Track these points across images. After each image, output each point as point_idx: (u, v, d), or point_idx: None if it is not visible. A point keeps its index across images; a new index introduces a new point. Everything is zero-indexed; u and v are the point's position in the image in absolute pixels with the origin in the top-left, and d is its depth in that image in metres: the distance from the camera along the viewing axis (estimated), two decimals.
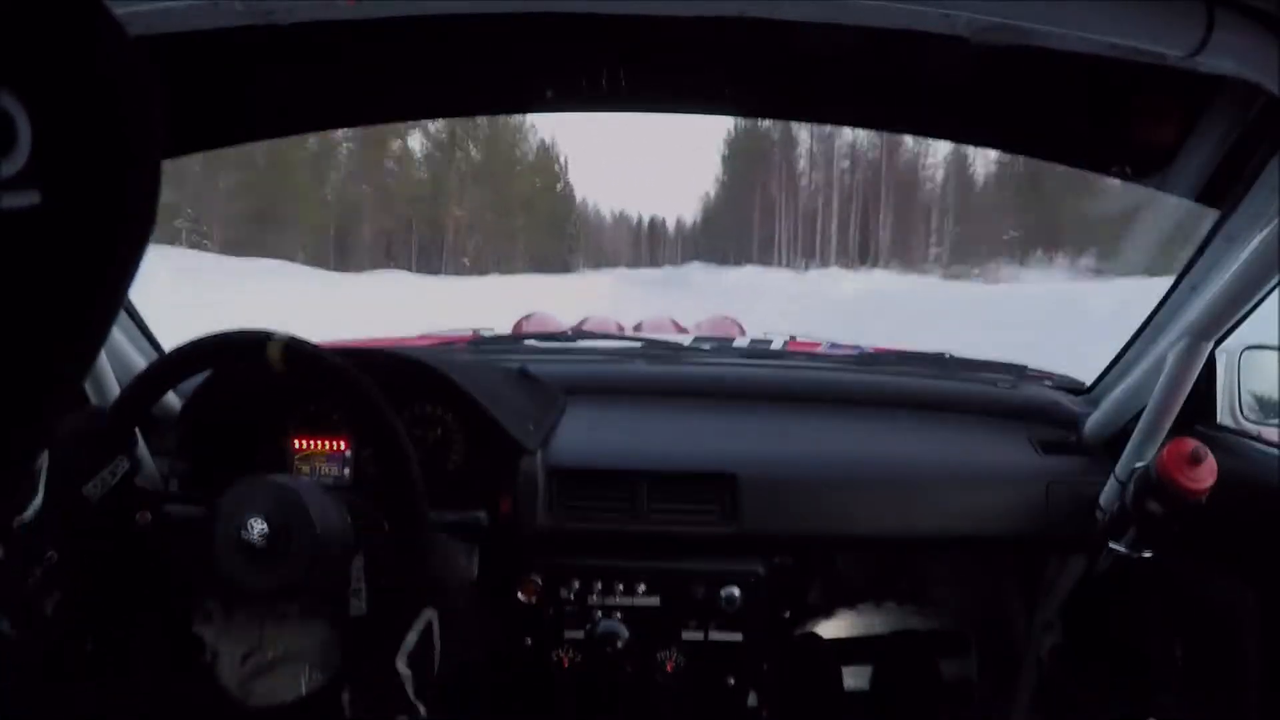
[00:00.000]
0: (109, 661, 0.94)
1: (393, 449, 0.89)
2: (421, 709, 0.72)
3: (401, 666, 0.75)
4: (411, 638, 0.76)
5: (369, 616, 0.80)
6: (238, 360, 0.93)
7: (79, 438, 0.90)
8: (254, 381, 1.13)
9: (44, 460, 0.81)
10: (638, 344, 1.52)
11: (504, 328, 1.67)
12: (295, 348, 0.86)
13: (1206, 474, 1.00)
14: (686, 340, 1.59)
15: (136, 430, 0.99)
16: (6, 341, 0.30)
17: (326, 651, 0.90)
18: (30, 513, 0.80)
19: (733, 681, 1.17)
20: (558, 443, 1.19)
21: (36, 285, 0.30)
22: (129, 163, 0.32)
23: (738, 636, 1.15)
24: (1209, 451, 1.00)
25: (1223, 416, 1.23)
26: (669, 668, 1.15)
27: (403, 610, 0.78)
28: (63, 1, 0.30)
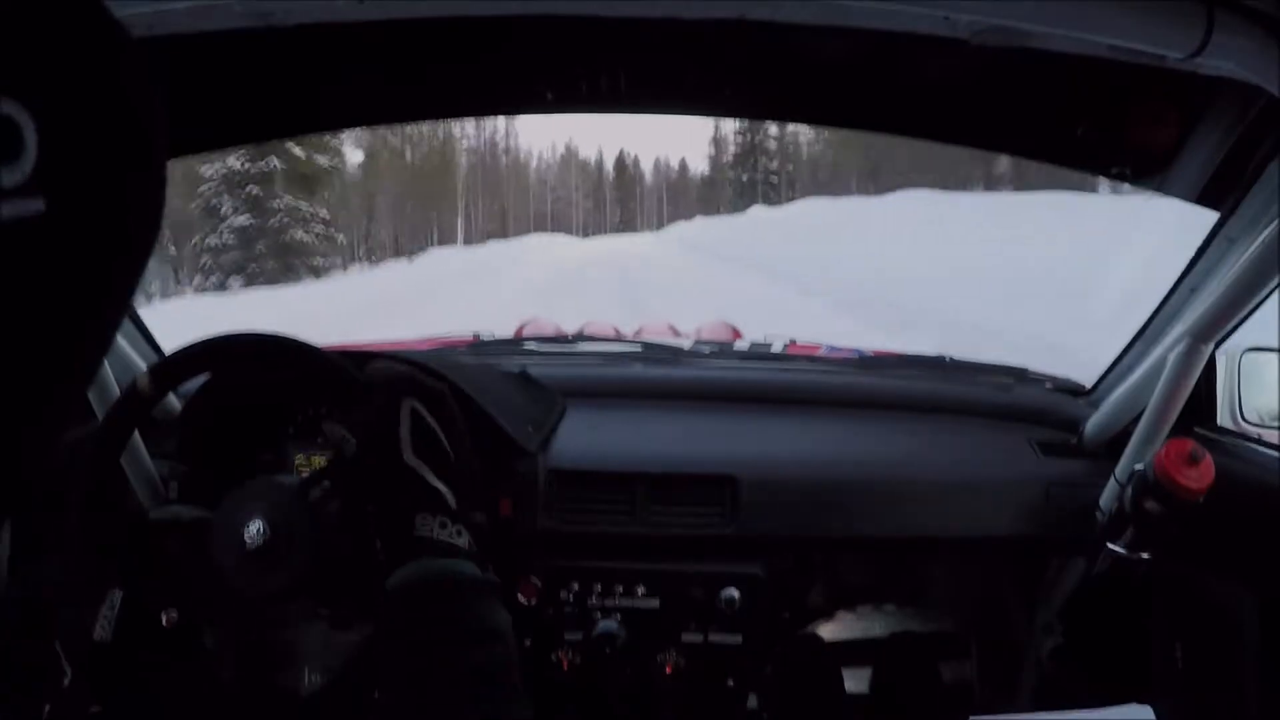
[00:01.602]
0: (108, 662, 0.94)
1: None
2: (449, 496, 0.72)
3: (409, 458, 0.73)
4: (405, 430, 0.74)
5: (360, 438, 0.77)
6: (131, 423, 0.90)
7: (58, 586, 0.88)
8: (254, 384, 1.13)
9: (58, 646, 0.81)
10: (637, 347, 1.52)
11: (504, 330, 1.67)
12: (159, 372, 0.85)
13: (1205, 474, 1.00)
14: (686, 343, 1.59)
15: (123, 465, 0.97)
16: (11, 348, 0.30)
17: (326, 652, 0.90)
18: (66, 684, 0.80)
19: (732, 683, 1.16)
20: (558, 445, 1.19)
21: (42, 292, 0.30)
22: (134, 168, 0.32)
23: (737, 638, 1.15)
24: (1207, 452, 1.00)
25: (1223, 419, 1.23)
26: (668, 670, 1.15)
27: (379, 410, 0.75)
28: (66, 7, 0.30)
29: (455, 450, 0.76)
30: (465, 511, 0.73)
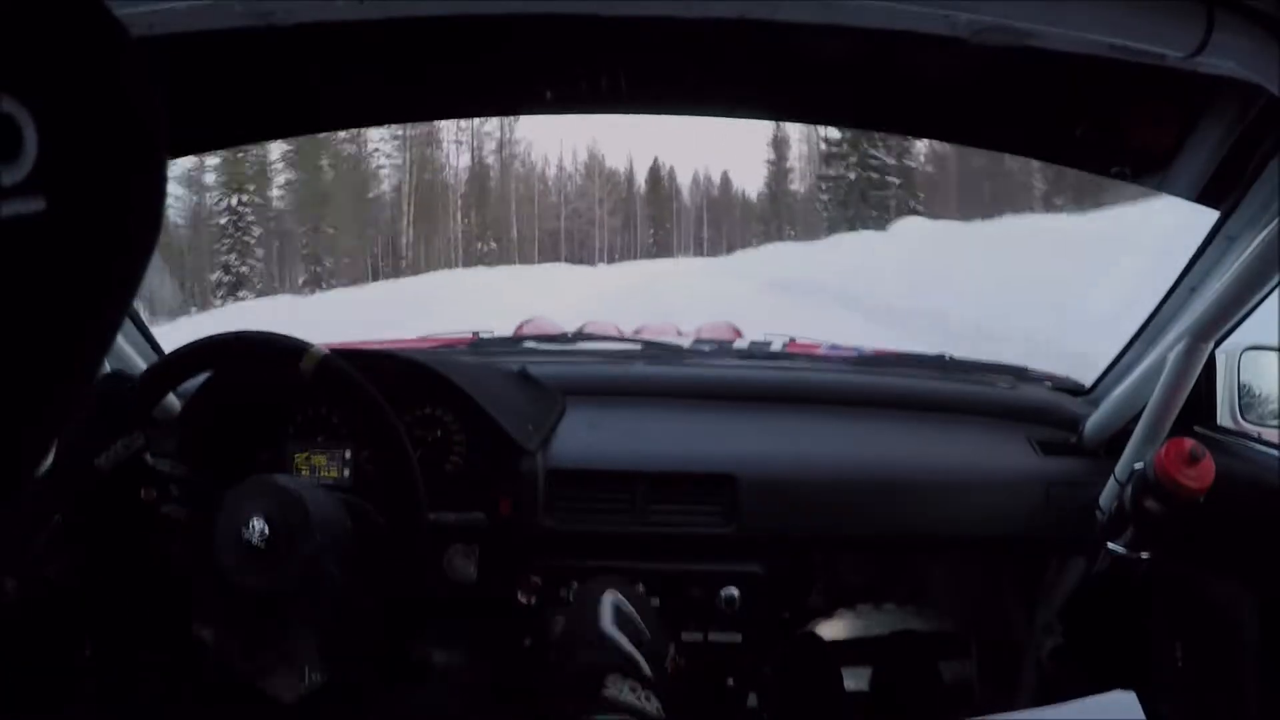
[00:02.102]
0: (109, 663, 0.94)
1: (392, 450, 0.89)
2: (643, 663, 0.74)
3: (608, 628, 0.77)
4: (607, 612, 0.78)
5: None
6: (270, 364, 0.93)
7: (99, 404, 0.90)
8: (254, 383, 1.13)
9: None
10: (637, 346, 1.52)
11: (504, 330, 1.67)
12: (327, 364, 0.87)
13: (1204, 473, 1.00)
14: (686, 342, 1.59)
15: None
16: (12, 348, 0.30)
17: (326, 652, 0.90)
18: (39, 473, 0.80)
19: (732, 682, 1.16)
20: (557, 444, 1.19)
21: (42, 291, 0.30)
22: (135, 167, 0.32)
23: (737, 637, 1.15)
24: (1207, 451, 1.00)
25: (1222, 417, 1.23)
26: (668, 669, 1.15)
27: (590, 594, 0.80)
28: (66, 6, 0.30)
29: (652, 631, 0.80)
30: (660, 681, 0.74)
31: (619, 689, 0.70)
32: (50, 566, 0.87)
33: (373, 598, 0.90)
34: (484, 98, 1.09)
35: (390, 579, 0.89)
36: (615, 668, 0.72)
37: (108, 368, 1.12)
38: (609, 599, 0.79)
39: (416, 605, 1.03)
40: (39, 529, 0.85)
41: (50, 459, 0.83)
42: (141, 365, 1.20)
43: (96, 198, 0.31)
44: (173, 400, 1.19)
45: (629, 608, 0.80)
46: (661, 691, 0.73)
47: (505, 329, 1.67)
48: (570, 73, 0.98)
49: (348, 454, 1.15)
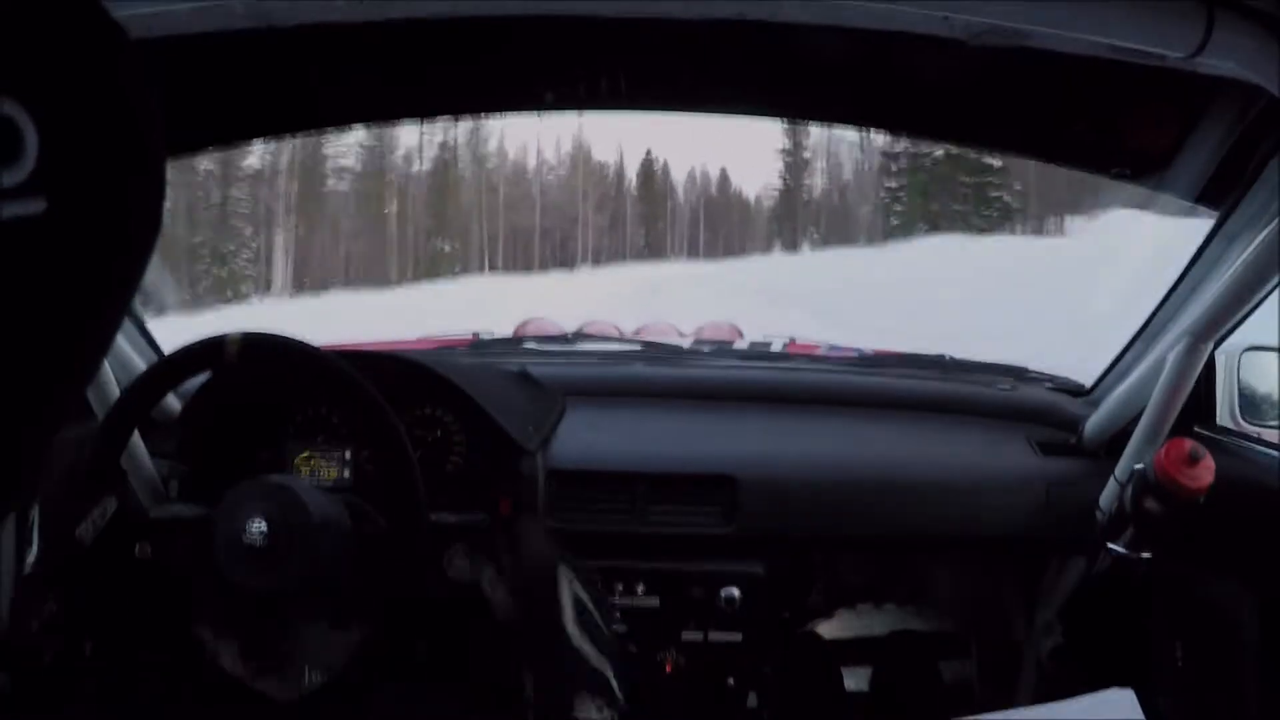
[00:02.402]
0: (109, 663, 0.94)
1: (392, 450, 0.89)
2: (611, 679, 0.71)
3: (575, 637, 0.74)
4: (567, 604, 0.75)
5: (519, 609, 0.79)
6: (199, 368, 0.93)
7: (65, 481, 0.89)
8: (254, 383, 1.13)
9: (35, 513, 0.81)
10: (637, 346, 1.52)
11: (504, 330, 1.67)
12: (252, 342, 0.86)
13: (1204, 473, 1.00)
14: (686, 343, 1.59)
15: (122, 463, 0.99)
16: (12, 347, 0.30)
17: (326, 652, 0.90)
18: (28, 565, 0.80)
19: (732, 682, 1.17)
20: (558, 444, 1.19)
21: (42, 292, 0.30)
22: (134, 168, 0.32)
23: (737, 637, 1.15)
24: (1207, 451, 1.00)
25: (1222, 418, 1.23)
26: (668, 668, 1.15)
27: (544, 587, 0.76)
28: (66, 8, 0.30)
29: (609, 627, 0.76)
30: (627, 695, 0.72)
31: (588, 711, 0.69)
32: (45, 653, 0.86)
33: (373, 598, 0.90)
34: (484, 98, 1.09)
35: (390, 579, 0.89)
36: (584, 687, 0.70)
37: (110, 375, 1.13)
38: (568, 591, 0.76)
39: (416, 605, 1.03)
40: (33, 618, 0.85)
41: (34, 547, 0.84)
42: (141, 365, 1.20)
43: (96, 199, 0.31)
44: (172, 401, 1.19)
45: (584, 596, 0.77)
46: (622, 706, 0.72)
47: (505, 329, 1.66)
48: (570, 73, 0.98)
49: (348, 454, 1.14)
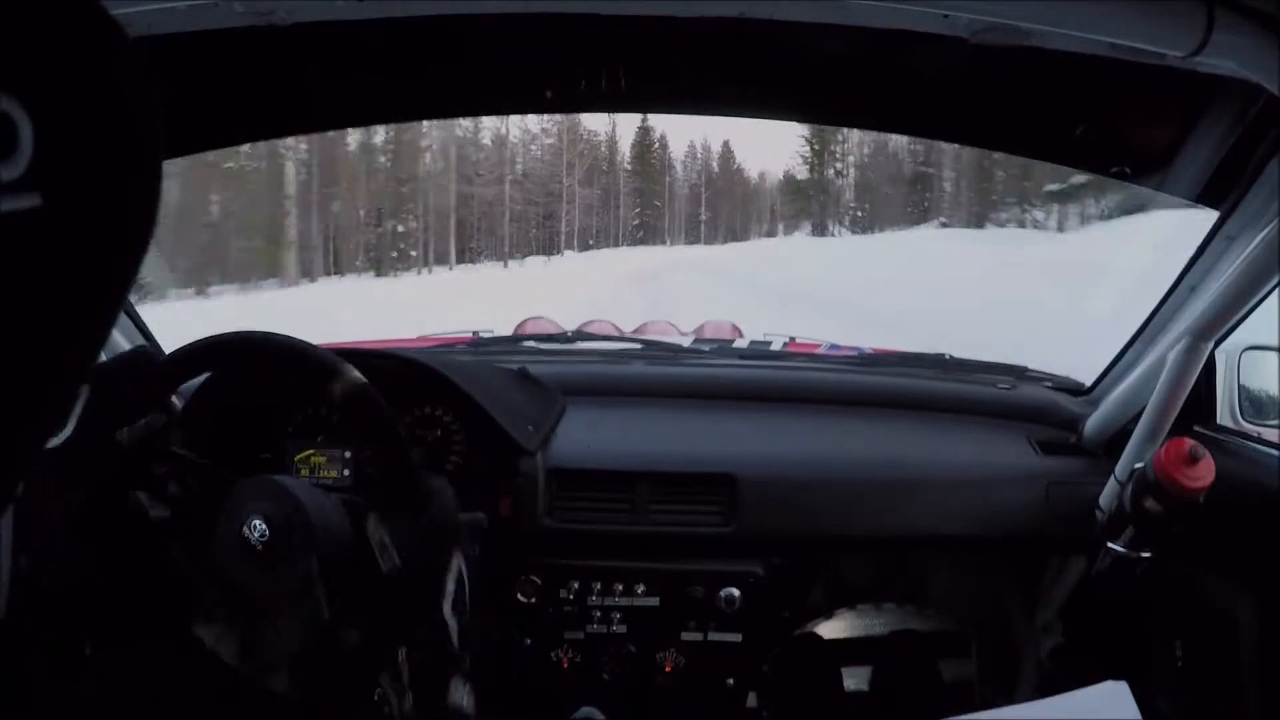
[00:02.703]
0: (109, 662, 0.94)
1: (392, 450, 0.89)
2: (466, 660, 0.71)
3: (447, 613, 0.73)
4: (450, 583, 0.74)
5: (405, 569, 0.77)
6: (299, 376, 0.92)
7: (126, 381, 0.89)
8: (254, 383, 1.13)
9: (82, 394, 0.81)
10: (637, 345, 1.52)
11: (504, 329, 1.67)
12: (359, 394, 0.86)
13: (1204, 473, 1.00)
14: (686, 341, 1.59)
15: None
16: (6, 343, 0.30)
17: (326, 652, 0.90)
18: (59, 442, 0.79)
19: (732, 682, 1.17)
20: (557, 443, 1.19)
21: (37, 287, 0.30)
22: (130, 165, 0.32)
23: (737, 637, 1.15)
24: (1206, 450, 1.00)
25: (1222, 417, 1.23)
26: (668, 668, 1.15)
27: (437, 556, 0.75)
28: (62, 4, 0.30)
29: (474, 610, 0.76)
30: (475, 671, 0.73)
31: (460, 694, 0.70)
32: (56, 565, 0.86)
33: (372, 598, 0.90)
34: (484, 96, 1.09)
35: (390, 579, 0.89)
36: (455, 669, 0.70)
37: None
38: (453, 575, 0.75)
39: (416, 605, 1.03)
40: (57, 500, 0.84)
41: (71, 427, 0.83)
42: None
43: (92, 195, 0.31)
44: (172, 400, 1.19)
45: (464, 584, 0.76)
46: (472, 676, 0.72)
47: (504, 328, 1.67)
48: (570, 72, 0.98)
49: (348, 454, 1.15)
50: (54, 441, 0.79)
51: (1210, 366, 1.16)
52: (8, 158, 0.28)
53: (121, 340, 1.20)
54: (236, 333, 0.94)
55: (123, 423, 0.88)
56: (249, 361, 0.97)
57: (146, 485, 0.91)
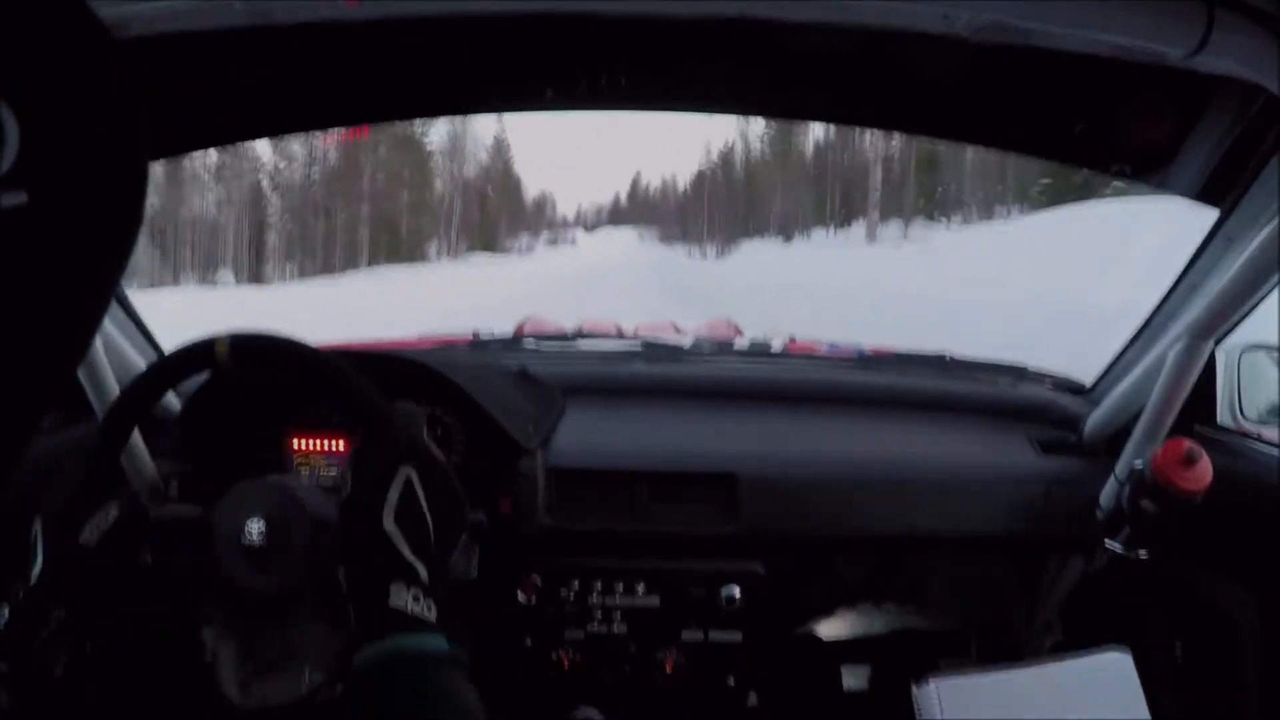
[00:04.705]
0: (108, 664, 0.94)
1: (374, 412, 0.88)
2: (421, 570, 0.71)
3: (389, 525, 0.73)
4: (394, 494, 0.74)
5: (352, 489, 0.78)
6: (191, 371, 0.92)
7: (65, 489, 0.89)
8: (252, 383, 1.13)
9: (38, 526, 0.81)
10: (637, 345, 1.52)
11: (504, 328, 1.67)
12: (241, 342, 0.85)
13: (1201, 474, 1.00)
14: (686, 341, 1.59)
15: (122, 463, 0.98)
16: None
17: (327, 651, 0.90)
18: (34, 576, 0.80)
19: (733, 681, 1.16)
20: (558, 443, 1.19)
21: (24, 284, 0.30)
22: (116, 163, 0.32)
23: (737, 636, 1.15)
24: (1204, 452, 1.00)
25: (1222, 416, 1.23)
26: (669, 668, 1.15)
27: (378, 469, 0.76)
28: (49, 4, 0.30)
29: (438, 526, 0.76)
30: (437, 587, 0.73)
31: (403, 599, 0.70)
32: (55, 664, 0.86)
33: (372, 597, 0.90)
34: (485, 95, 1.09)
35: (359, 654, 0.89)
36: (397, 575, 0.71)
37: (110, 375, 1.12)
38: (400, 480, 0.76)
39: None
40: (39, 629, 0.84)
41: (39, 558, 0.83)
42: (141, 365, 1.20)
43: (78, 193, 0.31)
44: (173, 400, 1.19)
45: (419, 492, 0.77)
46: (441, 595, 0.72)
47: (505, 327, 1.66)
48: (570, 71, 0.98)
49: (347, 454, 1.15)
50: (32, 578, 0.80)
51: (1210, 366, 1.16)
52: None
53: (122, 341, 1.21)
54: (125, 389, 0.93)
55: (80, 528, 0.87)
56: (152, 397, 0.96)
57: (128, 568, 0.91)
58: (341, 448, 1.15)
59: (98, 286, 0.33)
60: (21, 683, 0.82)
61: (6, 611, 0.80)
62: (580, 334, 1.60)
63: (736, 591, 1.14)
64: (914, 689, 1.05)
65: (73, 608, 0.85)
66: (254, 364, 0.87)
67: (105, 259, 0.33)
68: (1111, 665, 0.97)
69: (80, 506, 0.86)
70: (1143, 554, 1.08)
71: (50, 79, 0.30)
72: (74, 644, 0.86)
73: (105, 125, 0.32)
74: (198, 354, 0.87)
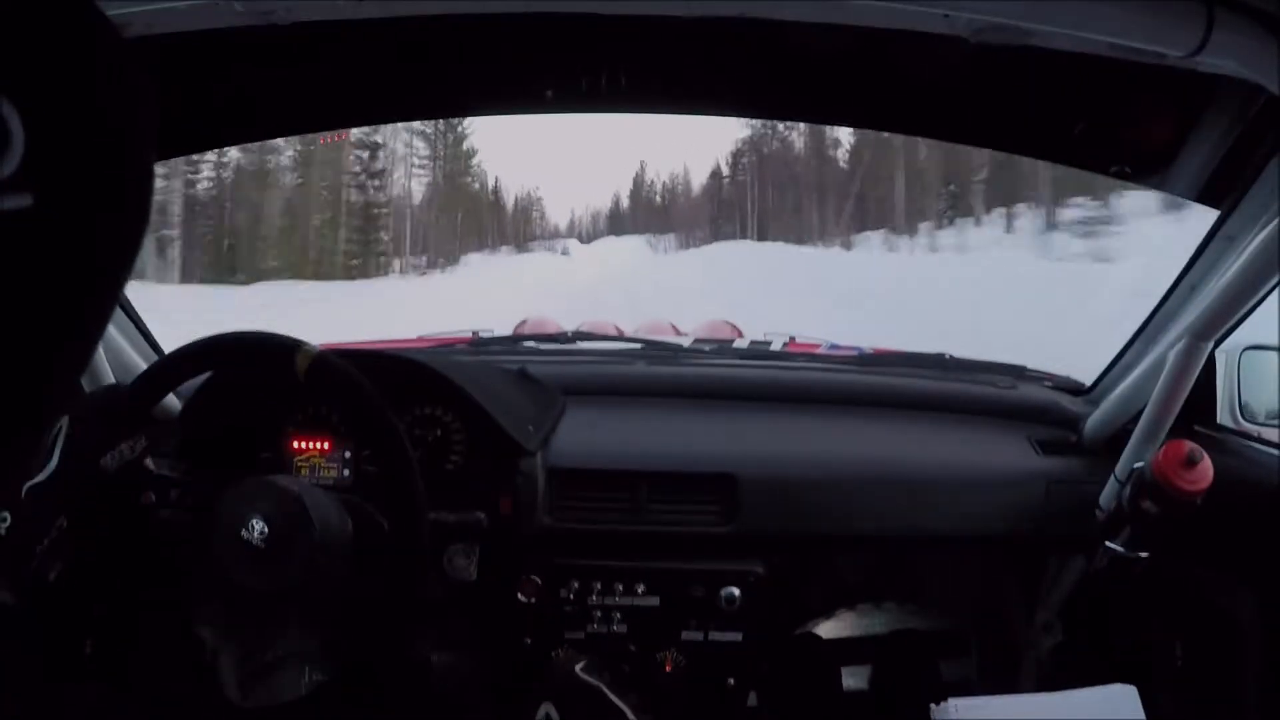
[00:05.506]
0: (109, 663, 0.94)
1: (392, 450, 0.89)
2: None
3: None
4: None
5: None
6: (265, 363, 0.93)
7: (102, 411, 0.90)
8: (253, 383, 1.13)
9: (62, 426, 0.82)
10: (637, 345, 1.52)
11: (504, 329, 1.67)
12: (322, 362, 0.87)
13: (1202, 476, 1.00)
14: (686, 341, 1.59)
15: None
16: (1, 341, 0.30)
17: (326, 651, 0.90)
18: (43, 477, 0.81)
19: (732, 681, 1.16)
20: (558, 443, 1.19)
21: (30, 287, 0.30)
22: (122, 164, 0.32)
23: (737, 636, 1.15)
24: (1205, 454, 1.00)
25: (1222, 417, 1.23)
26: (668, 668, 1.15)
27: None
28: (56, 3, 0.30)
29: None
30: None
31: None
32: (51, 570, 0.87)
33: (372, 598, 0.90)
34: (484, 96, 1.09)
35: (390, 579, 0.89)
36: None
37: (110, 375, 1.13)
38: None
39: (416, 605, 1.03)
40: (43, 529, 0.85)
41: (55, 460, 0.84)
42: (141, 365, 1.20)
43: (84, 194, 0.31)
44: (173, 400, 1.19)
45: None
46: None
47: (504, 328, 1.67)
48: (570, 72, 0.98)
49: (348, 454, 1.14)
50: (40, 476, 0.81)
51: (1210, 366, 1.16)
52: (0, 157, 0.28)
53: (123, 343, 1.20)
54: (193, 342, 0.96)
55: (104, 450, 0.90)
56: (212, 364, 1.00)
57: (135, 506, 0.93)
58: (341, 448, 1.15)
59: (104, 289, 0.33)
60: (19, 585, 0.84)
61: (8, 515, 0.82)
62: (579, 334, 1.60)
63: (736, 591, 1.14)
64: (931, 709, 1.06)
65: (75, 518, 0.87)
66: (324, 391, 0.89)
67: (111, 261, 0.33)
68: (1117, 698, 0.98)
69: (110, 433, 0.88)
70: (1143, 555, 1.09)
71: (57, 79, 0.29)
72: (71, 556, 0.88)
73: (111, 126, 0.31)
74: (278, 352, 0.89)
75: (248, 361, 0.97)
